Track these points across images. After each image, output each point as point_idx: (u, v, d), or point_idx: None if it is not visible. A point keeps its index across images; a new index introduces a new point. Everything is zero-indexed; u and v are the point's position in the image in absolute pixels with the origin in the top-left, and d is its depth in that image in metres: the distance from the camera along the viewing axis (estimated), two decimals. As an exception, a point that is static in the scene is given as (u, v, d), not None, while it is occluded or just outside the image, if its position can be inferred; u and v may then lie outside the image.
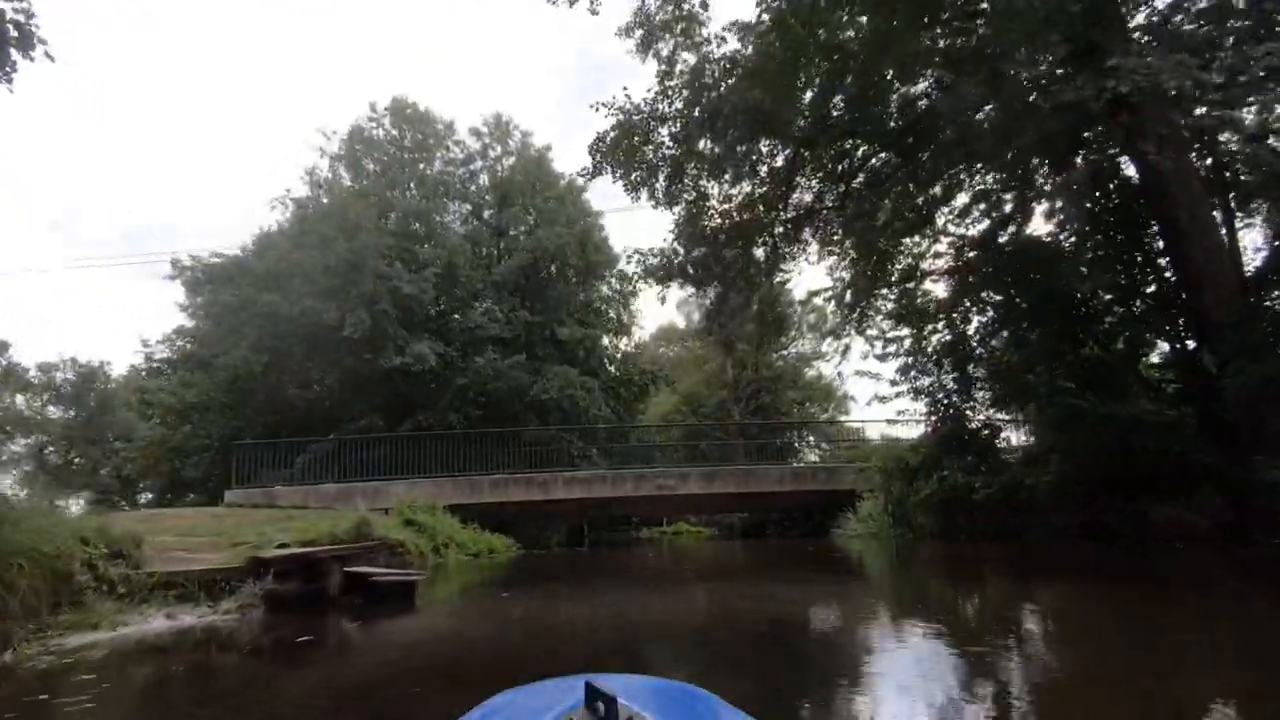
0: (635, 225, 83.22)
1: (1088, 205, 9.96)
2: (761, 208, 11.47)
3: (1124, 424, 9.10)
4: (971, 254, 12.00)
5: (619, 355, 28.01)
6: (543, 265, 24.09)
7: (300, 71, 68.55)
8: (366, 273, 20.25)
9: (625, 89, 10.88)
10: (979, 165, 10.90)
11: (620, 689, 0.82)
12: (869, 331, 13.39)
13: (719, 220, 11.75)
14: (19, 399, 38.05)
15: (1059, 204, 9.19)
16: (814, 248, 12.89)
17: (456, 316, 23.62)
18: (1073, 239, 11.06)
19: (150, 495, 27.78)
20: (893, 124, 10.68)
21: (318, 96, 65.57)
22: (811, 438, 26.46)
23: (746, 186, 11.48)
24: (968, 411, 12.53)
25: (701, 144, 10.70)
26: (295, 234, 22.66)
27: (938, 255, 12.76)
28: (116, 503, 33.22)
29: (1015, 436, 13.25)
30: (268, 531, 10.14)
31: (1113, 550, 8.75)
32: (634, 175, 10.84)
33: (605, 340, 26.98)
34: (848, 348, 13.77)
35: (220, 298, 21.90)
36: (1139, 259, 10.72)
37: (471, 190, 27.04)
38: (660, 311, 67.68)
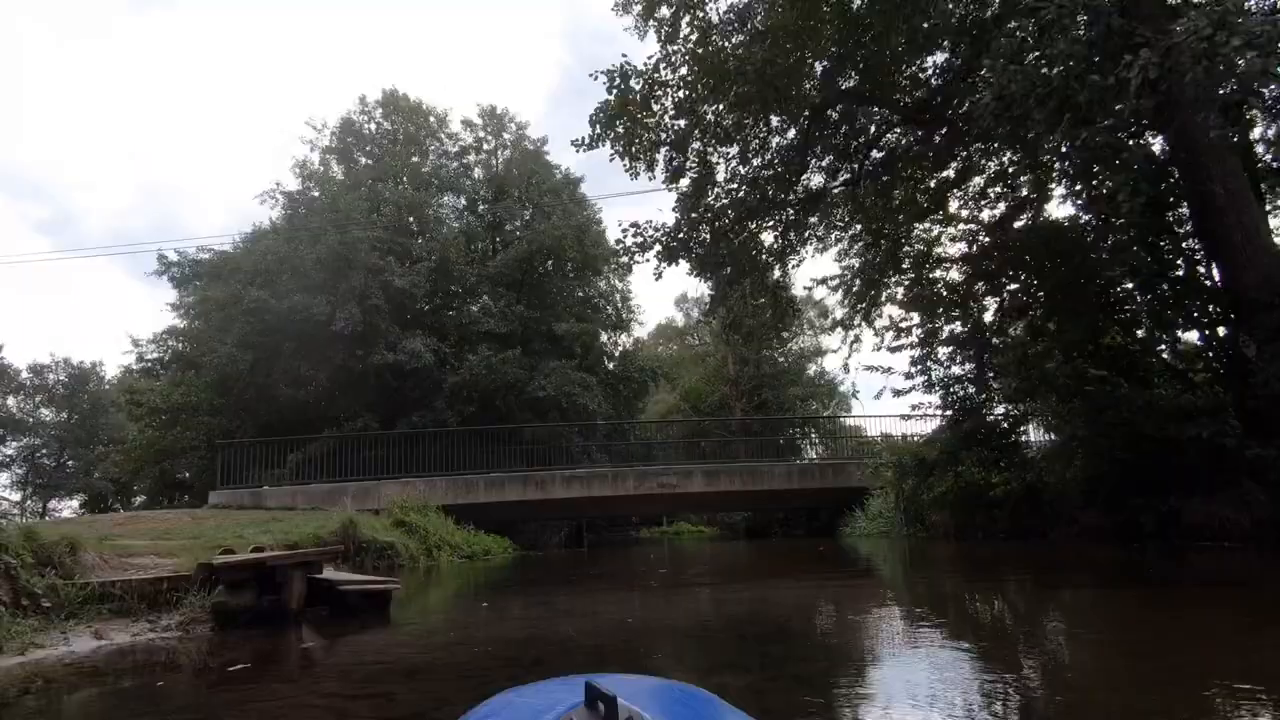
0: (640, 219, 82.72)
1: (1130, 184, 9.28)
2: (771, 188, 10.85)
3: (1161, 413, 8.52)
4: (986, 239, 11.46)
5: (618, 352, 27.44)
6: (539, 260, 23.47)
7: (298, 68, 68.08)
8: (358, 266, 19.67)
9: (624, 55, 10.22)
10: (997, 144, 10.28)
11: (621, 689, 0.76)
12: (878, 322, 12.85)
13: (726, 200, 11.13)
14: (10, 401, 37.54)
15: (1109, 185, 8.49)
16: (821, 232, 12.30)
17: (451, 312, 23.07)
18: (1092, 221, 10.46)
19: (145, 497, 27.30)
20: (908, 99, 10.08)
21: (313, 91, 65.12)
22: (815, 434, 25.78)
23: (756, 161, 10.84)
24: (985, 404, 11.96)
25: (707, 113, 10.05)
26: (285, 228, 22.12)
27: (952, 239, 12.22)
28: (110, 505, 32.76)
29: (1034, 430, 12.67)
30: (247, 534, 9.59)
31: (1143, 550, 8.19)
32: (634, 148, 10.18)
33: (604, 336, 26.39)
34: (857, 339, 13.16)
35: (209, 294, 21.39)
36: (1165, 240, 10.12)
37: (466, 183, 26.43)
38: (660, 310, 67.09)
